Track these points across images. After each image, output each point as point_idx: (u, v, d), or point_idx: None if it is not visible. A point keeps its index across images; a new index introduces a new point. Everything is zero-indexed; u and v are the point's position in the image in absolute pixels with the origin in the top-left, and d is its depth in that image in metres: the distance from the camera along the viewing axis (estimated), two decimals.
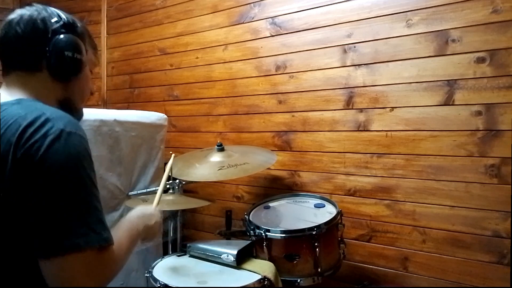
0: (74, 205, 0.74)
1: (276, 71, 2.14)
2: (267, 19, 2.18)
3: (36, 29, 0.87)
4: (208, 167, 1.76)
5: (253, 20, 2.23)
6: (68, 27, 0.91)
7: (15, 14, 0.89)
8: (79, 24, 0.95)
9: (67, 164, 0.74)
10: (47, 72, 0.88)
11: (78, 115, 0.99)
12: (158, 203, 1.21)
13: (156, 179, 2.12)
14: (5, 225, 0.75)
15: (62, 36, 0.88)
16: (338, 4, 1.93)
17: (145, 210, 1.07)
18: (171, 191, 1.80)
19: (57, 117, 0.78)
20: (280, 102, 2.13)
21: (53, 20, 0.89)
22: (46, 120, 0.76)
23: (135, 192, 2.01)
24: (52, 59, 0.87)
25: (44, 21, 0.88)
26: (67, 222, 0.73)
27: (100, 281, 0.77)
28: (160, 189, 1.31)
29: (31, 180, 0.72)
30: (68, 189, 0.74)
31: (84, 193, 0.76)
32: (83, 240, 0.73)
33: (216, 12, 2.39)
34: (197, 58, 2.48)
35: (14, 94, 0.87)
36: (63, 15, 0.92)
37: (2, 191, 0.73)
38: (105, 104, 2.97)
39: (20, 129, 0.75)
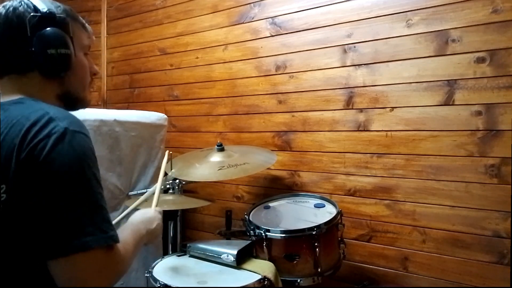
0: (81, 205, 0.73)
1: (276, 71, 2.14)
2: (267, 19, 2.17)
3: (15, 30, 0.83)
4: (208, 167, 1.75)
5: (253, 20, 2.23)
6: (47, 19, 0.85)
7: None
8: (58, 11, 0.89)
9: (73, 164, 0.74)
10: (38, 72, 0.86)
11: (83, 104, 0.97)
12: (157, 204, 1.20)
13: (156, 179, 2.12)
14: (8, 226, 0.74)
15: (41, 32, 0.83)
16: (338, 4, 1.93)
17: (145, 214, 1.06)
18: (171, 191, 1.80)
19: (60, 116, 0.77)
20: (280, 102, 2.13)
21: (29, 16, 0.83)
22: (50, 120, 0.75)
23: (135, 192, 2.01)
24: (38, 59, 0.84)
25: (21, 18, 0.84)
26: (75, 221, 0.72)
27: (109, 280, 0.77)
28: (157, 190, 1.30)
29: (36, 180, 0.72)
30: (75, 188, 0.73)
31: (91, 192, 0.76)
32: (91, 239, 0.72)
33: (216, 12, 2.38)
34: (197, 58, 2.48)
35: (12, 95, 0.86)
36: (39, 5, 0.85)
37: (6, 192, 0.73)
38: (105, 104, 2.97)
39: (24, 129, 0.74)
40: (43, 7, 0.86)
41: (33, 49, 0.83)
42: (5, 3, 0.86)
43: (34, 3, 0.86)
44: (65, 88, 0.91)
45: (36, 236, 0.73)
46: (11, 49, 0.85)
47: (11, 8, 0.85)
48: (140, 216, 1.04)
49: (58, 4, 0.91)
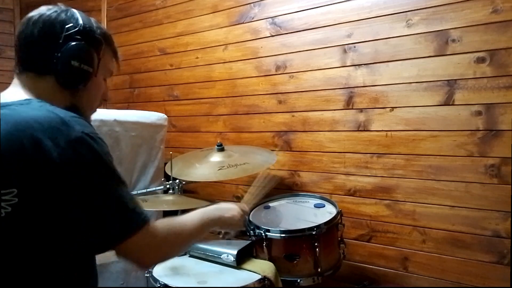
0: (117, 196, 0.80)
1: (276, 71, 2.14)
2: (267, 19, 2.17)
3: (51, 33, 0.86)
4: (208, 167, 1.76)
5: (253, 20, 2.23)
6: (84, 34, 0.88)
7: (36, 12, 0.88)
8: (97, 31, 0.93)
9: (100, 164, 0.79)
10: (55, 78, 0.87)
11: None
12: (249, 201, 1.39)
13: (156, 179, 2.12)
14: (19, 230, 0.74)
15: (72, 44, 0.86)
16: (338, 4, 1.93)
17: (225, 204, 1.22)
18: (171, 191, 1.80)
19: (72, 120, 0.79)
20: (280, 102, 2.13)
21: (68, 25, 0.86)
22: (63, 123, 0.77)
23: (135, 192, 2.00)
24: (58, 66, 0.86)
25: (60, 24, 0.86)
26: (115, 213, 0.79)
27: (162, 253, 0.91)
28: (254, 188, 1.47)
29: (72, 186, 0.75)
30: (109, 181, 0.80)
31: (120, 182, 0.82)
32: (142, 218, 0.82)
33: (216, 12, 2.38)
34: (197, 58, 2.48)
35: (23, 93, 0.86)
36: (81, 20, 0.89)
37: (18, 196, 0.73)
38: (105, 104, 2.96)
39: (36, 133, 0.74)
40: (84, 23, 0.90)
41: (58, 55, 0.86)
42: (51, 6, 0.89)
43: (78, 17, 0.90)
44: (74, 102, 0.92)
45: (74, 235, 0.77)
46: (40, 49, 0.87)
47: (55, 13, 0.88)
48: (219, 204, 1.19)
49: (101, 26, 0.96)
